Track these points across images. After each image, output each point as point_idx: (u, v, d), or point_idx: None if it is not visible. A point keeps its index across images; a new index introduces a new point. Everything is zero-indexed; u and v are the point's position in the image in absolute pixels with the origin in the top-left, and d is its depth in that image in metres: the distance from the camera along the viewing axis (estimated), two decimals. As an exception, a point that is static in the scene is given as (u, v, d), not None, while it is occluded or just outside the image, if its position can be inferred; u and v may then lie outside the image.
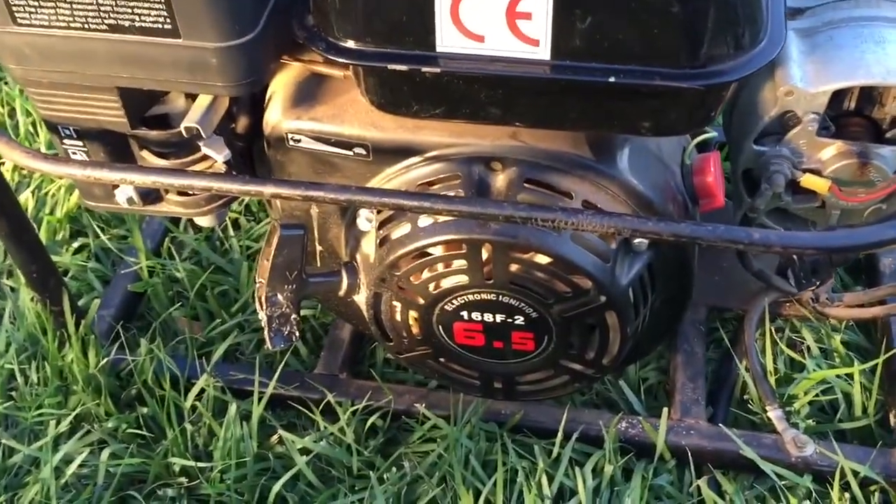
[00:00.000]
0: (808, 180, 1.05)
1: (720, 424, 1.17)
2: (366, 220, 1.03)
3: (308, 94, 0.99)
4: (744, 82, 1.10)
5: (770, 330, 1.23)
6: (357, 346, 1.31)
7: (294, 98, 0.99)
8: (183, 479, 1.18)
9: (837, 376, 1.21)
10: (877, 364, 1.20)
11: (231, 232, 1.46)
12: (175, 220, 1.48)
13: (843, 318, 1.25)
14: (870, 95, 1.04)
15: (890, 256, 1.34)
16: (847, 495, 1.11)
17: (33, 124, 1.66)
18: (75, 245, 1.47)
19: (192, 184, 0.89)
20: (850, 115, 1.07)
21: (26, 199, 1.51)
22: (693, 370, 1.23)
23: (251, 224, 1.48)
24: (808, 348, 1.26)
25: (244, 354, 1.33)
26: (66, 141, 0.98)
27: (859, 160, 1.04)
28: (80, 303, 1.36)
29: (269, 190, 0.88)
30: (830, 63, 1.01)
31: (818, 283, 1.05)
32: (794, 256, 1.02)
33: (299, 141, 0.99)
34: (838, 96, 1.03)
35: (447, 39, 0.81)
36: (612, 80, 0.80)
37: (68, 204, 1.50)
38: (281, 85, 1.01)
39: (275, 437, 1.22)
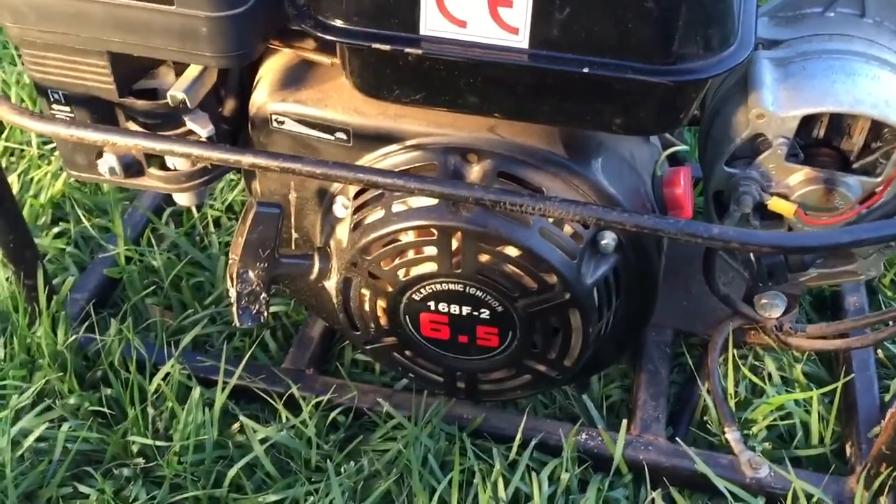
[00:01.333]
0: (775, 204, 1.08)
1: (678, 439, 1.18)
2: (342, 207, 1.05)
3: (295, 78, 1.02)
4: (717, 106, 1.15)
5: (733, 355, 1.25)
6: (326, 344, 1.32)
7: (281, 81, 1.02)
8: (140, 460, 1.18)
9: (797, 403, 1.23)
10: (835, 391, 1.21)
11: (212, 229, 1.48)
12: (158, 213, 1.49)
13: (805, 349, 1.27)
14: (839, 126, 1.08)
15: (855, 295, 1.37)
16: (799, 519, 1.12)
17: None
18: (56, 230, 1.48)
19: (173, 149, 0.91)
20: (820, 144, 1.10)
21: (11, 182, 1.52)
22: (655, 389, 1.24)
23: (233, 223, 1.50)
24: (770, 375, 1.27)
25: (213, 346, 1.34)
26: (54, 106, 1.00)
27: (825, 186, 1.07)
28: (54, 282, 1.37)
29: (247, 159, 0.90)
30: (802, 90, 1.05)
31: (772, 283, 1.07)
32: (752, 259, 1.05)
33: (283, 123, 1.02)
34: (808, 124, 1.07)
35: (431, 23, 0.85)
36: (585, 70, 0.83)
37: (53, 190, 1.52)
38: (270, 69, 1.04)
39: (236, 426, 1.22)
